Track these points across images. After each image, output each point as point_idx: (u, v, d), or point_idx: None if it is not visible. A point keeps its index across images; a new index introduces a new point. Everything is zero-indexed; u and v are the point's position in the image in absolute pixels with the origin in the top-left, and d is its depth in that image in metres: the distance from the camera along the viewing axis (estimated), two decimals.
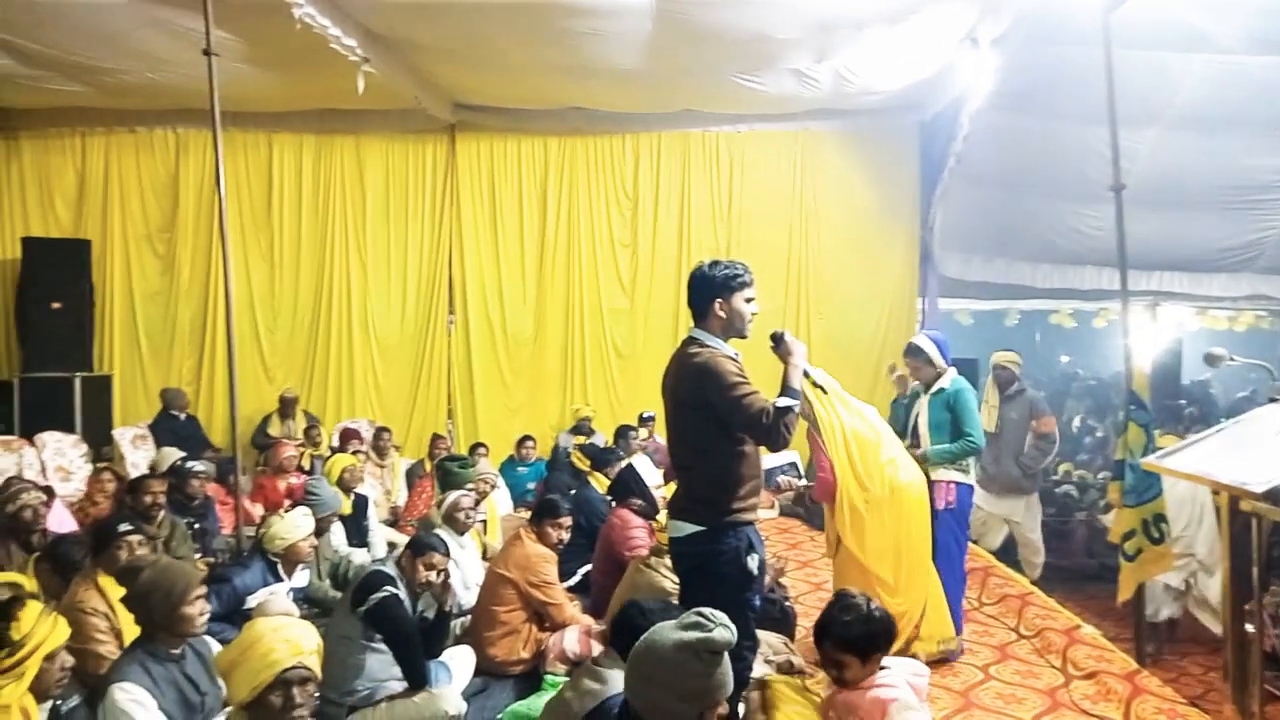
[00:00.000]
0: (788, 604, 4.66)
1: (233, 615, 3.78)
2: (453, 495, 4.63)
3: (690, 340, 3.01)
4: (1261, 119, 6.76)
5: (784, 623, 4.47)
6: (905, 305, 8.39)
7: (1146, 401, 4.72)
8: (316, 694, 2.27)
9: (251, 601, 3.84)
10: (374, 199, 8.70)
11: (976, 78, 6.60)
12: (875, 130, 8.25)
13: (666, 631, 2.08)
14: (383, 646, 3.35)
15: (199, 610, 2.73)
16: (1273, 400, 2.30)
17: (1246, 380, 16.87)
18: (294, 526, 4.09)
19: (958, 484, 4.38)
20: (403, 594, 3.40)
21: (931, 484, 4.33)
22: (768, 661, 3.88)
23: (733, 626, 2.09)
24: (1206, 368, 18.06)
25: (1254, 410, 2.40)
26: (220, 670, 2.21)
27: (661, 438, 8.00)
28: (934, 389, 4.46)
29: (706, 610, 2.12)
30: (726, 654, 2.07)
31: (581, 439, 7.71)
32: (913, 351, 4.52)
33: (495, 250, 8.75)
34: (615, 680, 2.58)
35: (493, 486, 6.13)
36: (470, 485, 5.22)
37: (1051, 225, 8.27)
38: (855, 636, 2.35)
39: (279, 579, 4.02)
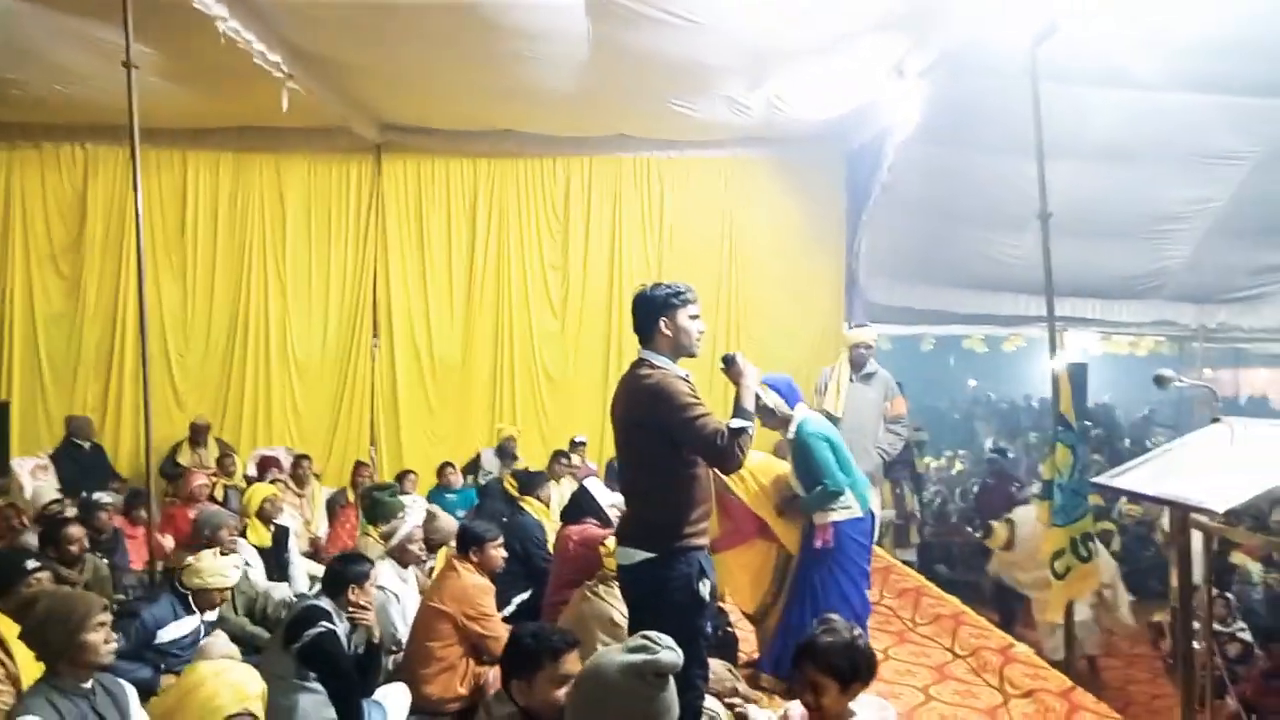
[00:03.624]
0: (729, 629, 4.62)
1: (143, 652, 3.56)
2: (405, 527, 4.43)
3: (640, 362, 2.96)
4: (1171, 152, 7.13)
5: (726, 648, 4.42)
6: (833, 330, 8.50)
7: (1073, 423, 4.88)
8: None
9: (163, 636, 3.62)
10: (295, 219, 8.44)
11: (902, 109, 6.77)
12: (804, 158, 8.38)
13: (612, 655, 2.05)
14: (316, 686, 3.19)
15: (103, 638, 2.55)
16: (1215, 421, 2.36)
17: (1147, 401, 17.73)
18: (221, 574, 3.88)
19: (835, 524, 4.16)
20: (340, 630, 3.25)
21: (813, 525, 4.20)
22: (710, 691, 3.82)
23: (679, 649, 2.07)
24: (1106, 391, 18.81)
25: (1202, 430, 2.45)
26: (155, 716, 2.05)
27: (594, 463, 7.92)
28: (788, 436, 4.21)
29: (652, 633, 2.09)
30: (672, 678, 2.03)
31: (518, 465, 7.54)
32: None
33: (422, 273, 8.58)
34: None
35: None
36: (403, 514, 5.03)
37: (972, 253, 8.53)
38: (839, 661, 2.29)
39: (190, 612, 3.79)
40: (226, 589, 3.94)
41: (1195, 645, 2.47)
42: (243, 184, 8.37)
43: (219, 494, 6.65)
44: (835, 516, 4.15)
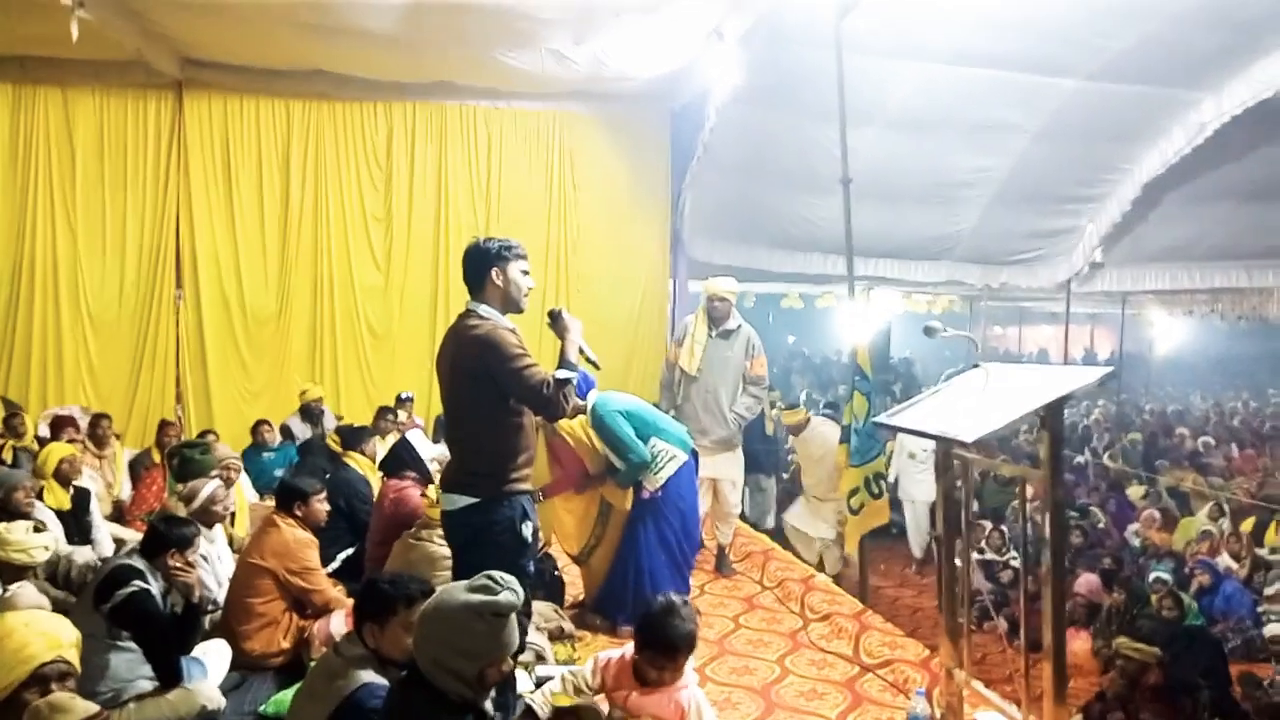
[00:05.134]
0: (556, 573, 4.81)
1: None
2: (208, 486, 4.28)
3: (468, 313, 3.03)
4: (961, 123, 7.78)
5: (553, 590, 4.61)
6: (658, 286, 8.77)
7: (869, 374, 5.34)
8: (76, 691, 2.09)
9: None
10: (86, 159, 7.76)
11: (721, 72, 7.01)
12: (630, 115, 8.50)
13: (455, 593, 2.15)
14: (129, 645, 3.11)
15: None
16: (975, 366, 2.71)
17: (953, 358, 19.34)
18: (27, 550, 3.68)
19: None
20: (153, 588, 3.16)
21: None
22: (539, 629, 3.99)
23: (519, 589, 2.19)
24: (908, 347, 20.40)
25: (961, 375, 2.83)
26: None
27: (420, 418, 7.86)
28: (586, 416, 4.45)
29: (495, 573, 2.20)
30: (512, 615, 2.16)
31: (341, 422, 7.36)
32: None
33: (230, 220, 8.10)
34: (358, 674, 2.53)
35: (238, 472, 5.75)
36: (216, 472, 4.89)
37: (785, 214, 9.00)
38: (682, 643, 2.53)
39: None
40: (30, 566, 3.72)
41: (957, 563, 2.84)
42: (25, 119, 7.60)
43: (7, 456, 6.15)
44: (665, 474, 4.44)
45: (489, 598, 2.10)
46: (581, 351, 3.10)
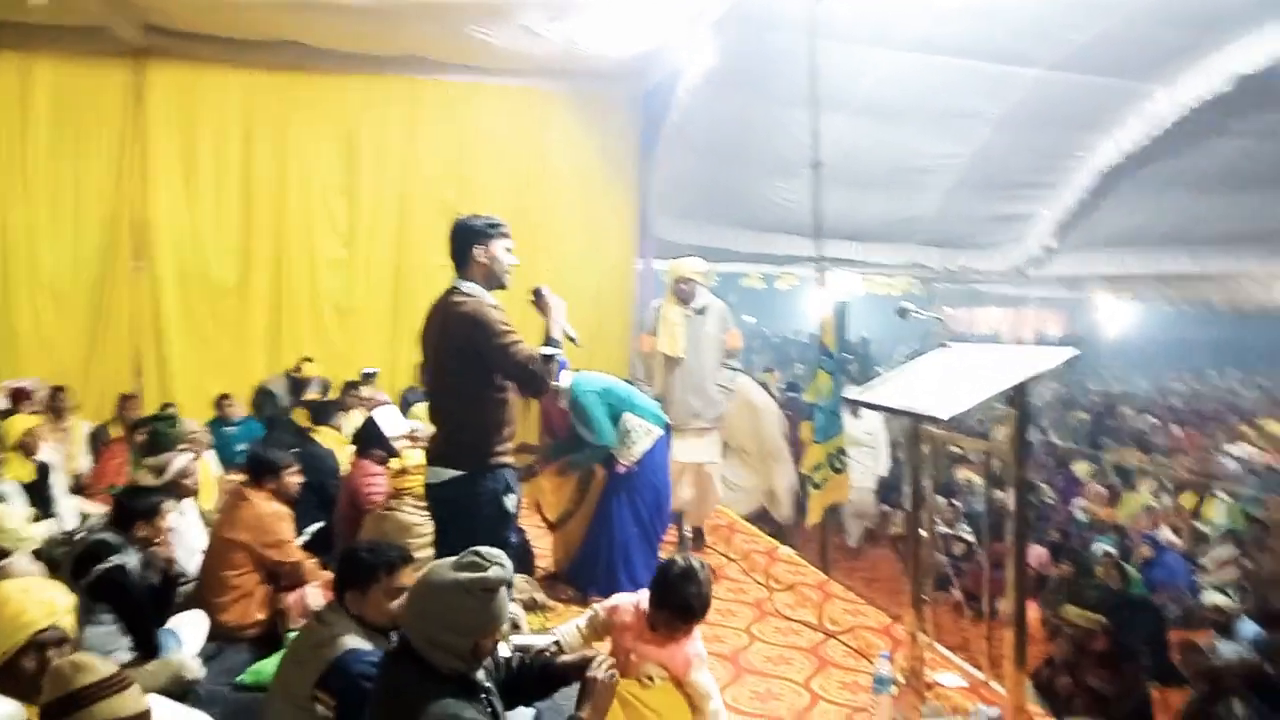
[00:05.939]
0: (526, 544, 4.87)
1: None
2: (179, 460, 4.28)
3: (454, 290, 3.07)
4: (925, 111, 7.90)
5: (523, 560, 4.68)
6: (625, 264, 8.80)
7: (833, 352, 5.46)
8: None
9: None
10: (42, 127, 7.54)
11: (693, 54, 7.05)
12: (601, 95, 8.47)
13: (444, 571, 2.18)
14: (105, 618, 3.13)
15: None
16: (942, 346, 2.82)
17: (908, 338, 19.65)
18: (19, 539, 3.68)
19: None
20: (129, 562, 3.18)
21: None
22: (513, 599, 4.06)
23: (508, 564, 2.24)
24: (865, 328, 20.69)
25: (928, 353, 2.94)
26: None
27: (384, 394, 7.83)
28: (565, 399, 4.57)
29: (483, 549, 2.24)
30: (502, 589, 2.22)
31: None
32: None
33: (191, 190, 7.96)
34: (343, 641, 2.60)
35: (205, 446, 5.74)
36: (184, 445, 4.88)
37: (751, 195, 9.07)
38: (698, 609, 2.65)
39: None
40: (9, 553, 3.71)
41: (922, 533, 2.97)
42: None
43: None
44: (639, 449, 4.53)
45: (478, 574, 2.14)
46: (563, 329, 3.16)
